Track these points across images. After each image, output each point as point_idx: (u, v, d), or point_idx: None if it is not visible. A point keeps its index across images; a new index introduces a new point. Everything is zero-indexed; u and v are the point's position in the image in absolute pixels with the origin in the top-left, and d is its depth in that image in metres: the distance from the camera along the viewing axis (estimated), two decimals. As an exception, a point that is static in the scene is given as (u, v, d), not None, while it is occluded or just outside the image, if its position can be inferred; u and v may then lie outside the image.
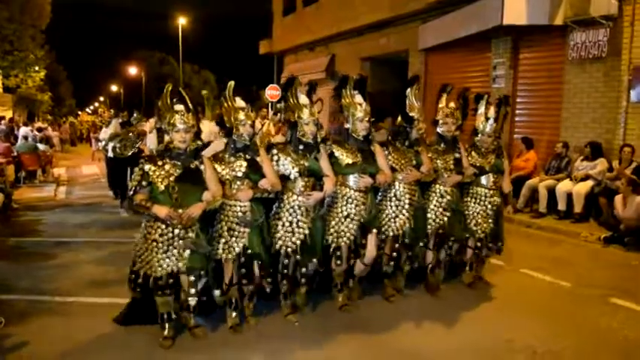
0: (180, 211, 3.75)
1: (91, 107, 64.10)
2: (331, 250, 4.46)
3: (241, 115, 4.07)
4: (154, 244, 3.81)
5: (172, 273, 3.83)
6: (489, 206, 5.15)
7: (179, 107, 3.87)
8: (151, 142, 8.34)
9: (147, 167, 3.84)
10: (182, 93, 3.95)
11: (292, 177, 4.23)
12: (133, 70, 48.85)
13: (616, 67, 8.79)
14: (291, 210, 4.24)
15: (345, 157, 4.47)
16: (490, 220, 5.15)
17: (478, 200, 5.16)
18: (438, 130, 5.07)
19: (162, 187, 3.78)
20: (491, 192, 5.15)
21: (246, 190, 4.05)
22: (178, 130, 3.83)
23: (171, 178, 3.81)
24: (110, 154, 9.49)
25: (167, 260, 3.81)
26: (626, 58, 8.61)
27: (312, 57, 19.34)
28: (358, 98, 4.49)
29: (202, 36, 40.04)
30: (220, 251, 4.05)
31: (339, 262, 4.48)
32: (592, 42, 9.06)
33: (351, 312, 4.60)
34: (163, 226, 3.80)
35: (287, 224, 4.24)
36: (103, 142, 10.78)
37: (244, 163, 4.08)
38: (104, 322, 4.29)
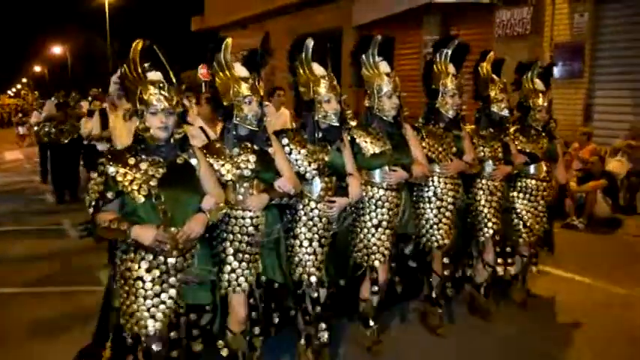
0: (173, 230, 2.53)
1: (13, 90, 60.40)
2: (360, 271, 3.51)
3: (245, 89, 2.90)
4: (140, 284, 2.55)
5: (171, 322, 2.62)
6: (542, 202, 4.22)
7: (155, 76, 2.63)
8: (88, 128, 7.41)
9: (112, 170, 2.56)
10: (159, 54, 2.66)
11: (308, 177, 3.16)
12: (57, 50, 46.31)
13: (539, 45, 9.18)
14: (310, 223, 3.17)
15: (370, 146, 3.43)
16: (544, 220, 4.28)
17: (528, 195, 4.21)
18: (493, 108, 4.07)
19: (141, 198, 2.54)
20: (544, 184, 4.22)
21: (258, 195, 2.92)
22: (156, 112, 2.58)
23: (153, 183, 2.57)
24: (45, 139, 8.96)
25: (162, 306, 2.57)
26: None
27: (246, 35, 18.99)
28: (384, 67, 3.47)
29: (131, 12, 38.26)
30: (225, 283, 2.89)
31: (375, 288, 3.47)
32: (517, 20, 9.42)
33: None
34: (151, 257, 2.56)
35: (306, 243, 3.17)
36: (36, 127, 10.17)
37: (252, 157, 2.93)
38: (34, 311, 4.18)
